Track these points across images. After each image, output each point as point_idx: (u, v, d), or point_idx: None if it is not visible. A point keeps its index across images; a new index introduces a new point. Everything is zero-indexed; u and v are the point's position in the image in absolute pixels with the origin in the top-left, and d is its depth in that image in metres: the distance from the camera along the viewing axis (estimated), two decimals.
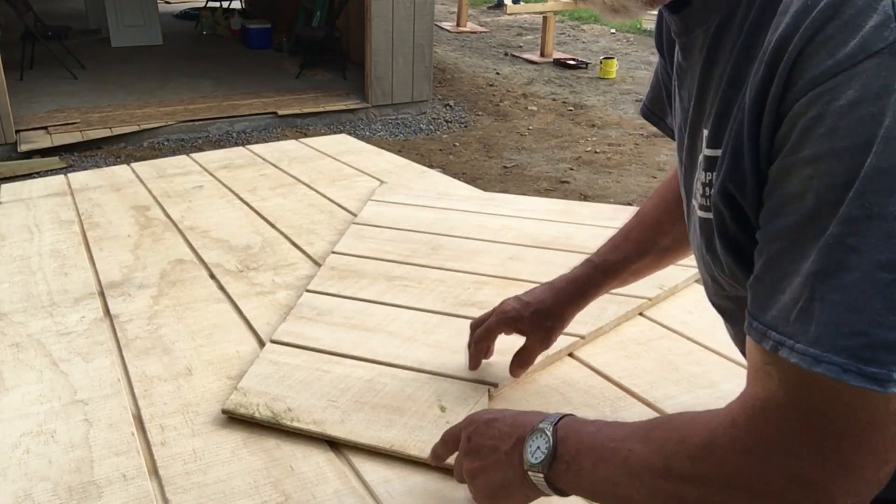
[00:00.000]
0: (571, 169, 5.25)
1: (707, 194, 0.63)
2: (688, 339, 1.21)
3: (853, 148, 0.47)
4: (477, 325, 1.07)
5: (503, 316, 1.04)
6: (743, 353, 0.79)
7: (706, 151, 0.63)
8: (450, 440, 0.84)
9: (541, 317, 1.02)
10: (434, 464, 0.89)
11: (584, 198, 4.62)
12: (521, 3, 12.16)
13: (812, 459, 0.51)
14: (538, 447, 0.68)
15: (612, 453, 0.63)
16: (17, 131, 5.42)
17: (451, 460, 0.85)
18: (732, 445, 0.55)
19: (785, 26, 0.51)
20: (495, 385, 1.06)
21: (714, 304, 0.76)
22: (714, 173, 0.61)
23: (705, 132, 0.64)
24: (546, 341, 1.04)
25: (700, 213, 0.65)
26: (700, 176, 0.64)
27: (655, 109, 0.94)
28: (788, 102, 0.51)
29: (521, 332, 1.04)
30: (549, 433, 0.68)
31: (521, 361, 1.05)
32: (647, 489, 0.60)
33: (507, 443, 0.72)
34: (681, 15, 0.66)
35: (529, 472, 0.68)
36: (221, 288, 1.43)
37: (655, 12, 0.73)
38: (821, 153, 0.49)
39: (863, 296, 0.47)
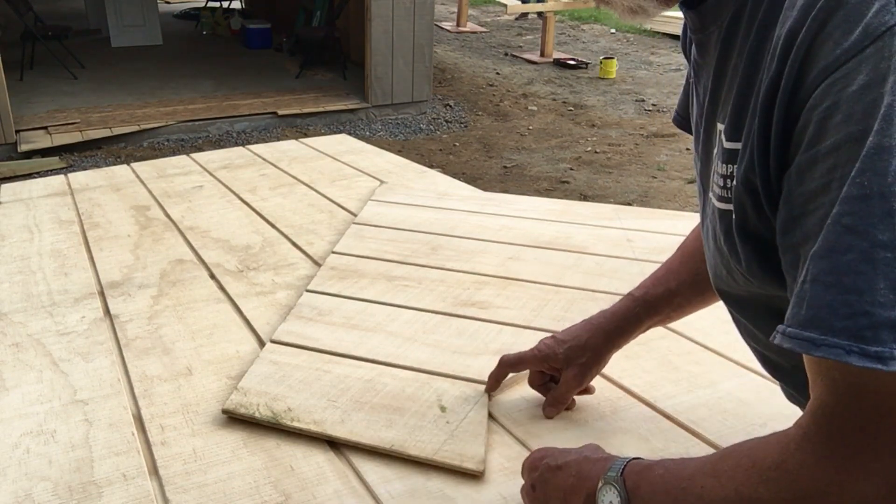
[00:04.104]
0: (571, 169, 5.25)
1: (728, 186, 0.63)
2: (688, 339, 1.21)
3: (868, 130, 0.47)
4: (509, 358, 1.03)
5: (536, 353, 1.00)
6: (750, 346, 0.79)
7: (726, 144, 0.64)
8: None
9: (575, 353, 0.98)
10: None
11: (584, 198, 4.62)
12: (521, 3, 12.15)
13: (883, 450, 0.50)
14: (610, 501, 0.67)
15: (684, 494, 0.62)
16: (17, 131, 5.42)
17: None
18: (808, 459, 0.53)
19: (792, 20, 0.52)
20: None
21: (720, 292, 0.76)
22: (735, 166, 0.61)
23: (720, 126, 0.65)
24: (580, 378, 0.98)
25: (719, 205, 0.66)
26: (719, 168, 0.65)
27: (686, 115, 0.93)
28: (803, 96, 0.51)
29: (556, 371, 1.00)
30: (619, 485, 0.67)
31: (553, 400, 1.01)
32: None
33: (577, 498, 0.71)
34: (696, 11, 0.67)
35: None
36: (221, 288, 1.43)
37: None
38: (840, 141, 0.49)
39: (863, 276, 0.46)
